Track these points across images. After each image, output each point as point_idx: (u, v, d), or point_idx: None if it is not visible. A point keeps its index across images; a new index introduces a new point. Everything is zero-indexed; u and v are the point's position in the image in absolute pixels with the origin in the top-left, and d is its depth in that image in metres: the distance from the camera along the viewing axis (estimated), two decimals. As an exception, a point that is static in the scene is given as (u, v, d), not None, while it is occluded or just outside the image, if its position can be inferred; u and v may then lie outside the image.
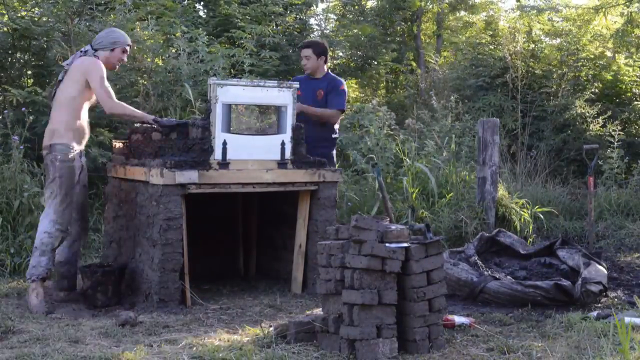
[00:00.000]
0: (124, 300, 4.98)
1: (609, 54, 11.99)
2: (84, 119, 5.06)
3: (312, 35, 12.22)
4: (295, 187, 5.25)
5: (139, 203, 4.98)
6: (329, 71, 6.31)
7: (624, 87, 11.43)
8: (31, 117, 6.52)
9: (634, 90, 11.35)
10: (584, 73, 11.22)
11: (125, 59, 5.21)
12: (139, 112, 5.20)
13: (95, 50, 5.05)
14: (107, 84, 4.95)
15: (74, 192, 4.98)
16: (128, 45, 5.14)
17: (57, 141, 4.93)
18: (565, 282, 4.96)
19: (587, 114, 10.62)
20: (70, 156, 4.92)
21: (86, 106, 5.07)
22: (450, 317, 4.34)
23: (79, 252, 5.26)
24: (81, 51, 5.10)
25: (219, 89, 4.92)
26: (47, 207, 4.91)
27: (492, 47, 11.94)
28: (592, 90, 10.82)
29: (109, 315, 4.59)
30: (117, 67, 5.24)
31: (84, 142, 5.13)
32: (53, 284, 5.19)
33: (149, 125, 5.10)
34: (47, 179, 4.95)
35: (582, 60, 11.39)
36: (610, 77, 11.47)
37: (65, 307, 4.88)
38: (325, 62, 6.20)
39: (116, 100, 4.99)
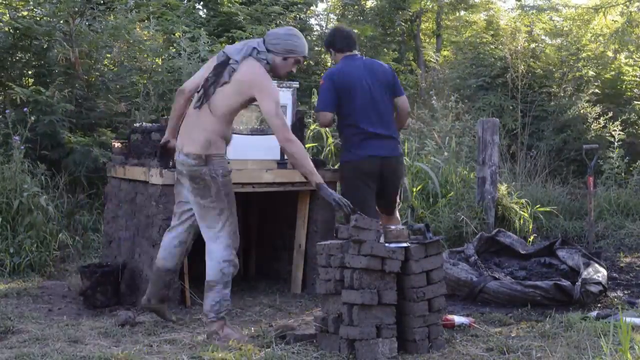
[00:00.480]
0: (124, 300, 4.99)
1: (610, 53, 11.99)
2: (231, 126, 4.29)
3: (311, 35, 12.22)
4: (295, 187, 5.25)
5: (139, 203, 4.98)
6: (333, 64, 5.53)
7: (624, 86, 11.42)
8: (32, 117, 6.52)
9: (635, 90, 11.35)
10: (584, 73, 11.21)
11: (295, 71, 4.39)
12: (310, 166, 4.14)
13: (268, 50, 4.17)
14: (281, 113, 4.11)
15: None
16: (303, 56, 4.28)
17: (215, 152, 4.12)
18: (565, 283, 4.96)
19: (588, 114, 10.62)
20: (229, 170, 4.22)
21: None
22: (449, 317, 4.34)
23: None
24: (253, 48, 4.15)
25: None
26: (218, 232, 4.13)
27: (493, 47, 11.94)
28: (593, 90, 10.81)
29: (108, 315, 4.59)
30: (282, 78, 4.61)
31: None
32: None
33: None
34: (206, 197, 4.11)
35: (583, 60, 11.39)
36: (611, 77, 11.46)
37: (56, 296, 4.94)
38: (335, 53, 5.18)
39: (292, 135, 4.12)
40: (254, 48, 4.15)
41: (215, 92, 4.09)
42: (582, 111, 10.63)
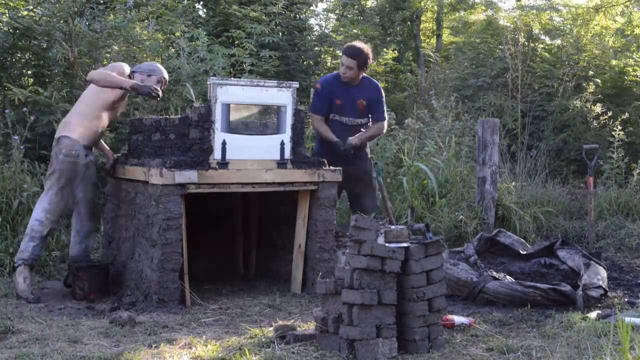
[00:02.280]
0: (105, 294, 5.12)
1: (610, 53, 11.98)
2: (101, 122, 5.23)
3: (311, 35, 12.21)
4: (295, 187, 5.25)
5: (139, 203, 4.98)
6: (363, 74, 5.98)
7: (625, 84, 11.40)
8: (32, 117, 6.52)
9: (635, 90, 11.34)
10: (584, 73, 11.21)
11: (160, 89, 5.26)
12: (116, 77, 5.13)
13: (133, 72, 5.34)
14: (109, 71, 5.17)
15: (79, 189, 5.21)
16: (164, 78, 5.43)
17: (65, 134, 5.08)
18: (565, 287, 4.96)
19: (588, 114, 10.62)
20: (74, 151, 5.05)
21: (106, 111, 5.24)
22: (450, 317, 4.34)
23: (88, 248, 5.44)
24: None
25: (218, 89, 4.92)
26: (42, 196, 5.12)
27: (492, 47, 11.93)
28: (592, 90, 10.81)
29: (108, 315, 4.58)
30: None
31: (95, 143, 5.30)
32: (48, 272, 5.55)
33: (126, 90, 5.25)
34: (49, 170, 5.14)
35: (583, 60, 11.38)
36: (611, 77, 11.46)
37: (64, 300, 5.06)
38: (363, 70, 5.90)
39: (103, 70, 5.28)
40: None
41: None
42: (582, 110, 10.62)
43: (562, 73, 11.08)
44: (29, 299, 4.89)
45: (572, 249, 5.68)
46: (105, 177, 5.73)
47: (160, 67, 5.49)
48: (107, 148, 5.58)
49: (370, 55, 5.87)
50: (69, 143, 5.05)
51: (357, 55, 5.75)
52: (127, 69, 5.32)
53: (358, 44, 5.93)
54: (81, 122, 5.12)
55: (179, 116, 5.11)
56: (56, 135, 5.15)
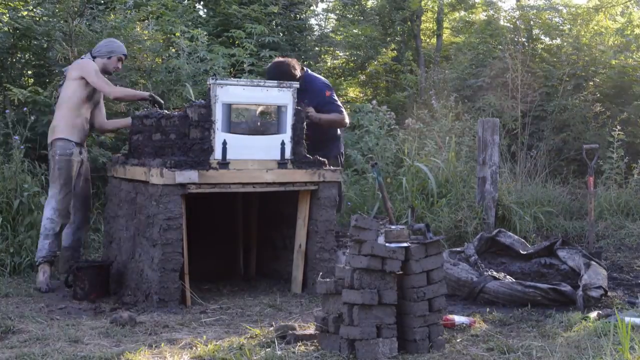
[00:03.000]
0: (107, 294, 5.16)
1: (610, 53, 11.98)
2: (84, 117, 5.55)
3: (311, 35, 12.21)
4: (295, 187, 5.25)
5: (139, 203, 4.98)
6: (307, 71, 6.02)
7: (625, 81, 11.38)
8: (32, 117, 6.52)
9: (635, 90, 11.34)
10: (584, 73, 11.21)
11: (120, 67, 5.73)
12: (136, 91, 5.79)
13: (94, 57, 5.56)
14: (101, 75, 5.42)
15: (74, 184, 5.50)
16: (124, 54, 5.68)
17: (57, 136, 5.44)
18: (565, 287, 4.96)
19: (587, 114, 10.62)
20: (68, 151, 5.42)
21: (85, 105, 5.53)
22: (450, 317, 4.34)
23: (81, 239, 5.75)
24: (80, 58, 5.63)
25: (219, 89, 4.93)
26: (49, 197, 5.44)
27: (492, 47, 11.93)
28: (592, 90, 10.81)
29: (109, 315, 4.59)
30: (112, 73, 5.75)
31: (84, 138, 5.61)
32: (56, 267, 5.67)
33: (146, 105, 5.68)
34: (50, 173, 5.49)
35: (583, 60, 11.39)
36: (610, 77, 11.46)
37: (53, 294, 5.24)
38: (301, 70, 5.89)
39: (114, 86, 5.53)
40: (81, 58, 5.65)
41: (58, 94, 5.60)
42: (582, 109, 10.62)
43: (562, 73, 11.08)
44: (42, 288, 5.23)
45: (573, 249, 5.68)
46: (105, 177, 5.75)
47: (116, 42, 5.71)
48: (120, 121, 6.04)
49: (290, 66, 5.80)
50: (62, 144, 5.42)
51: (280, 78, 5.48)
52: (90, 61, 5.53)
53: (277, 61, 5.97)
54: (66, 123, 5.45)
55: (179, 112, 5.11)
56: (48, 141, 5.51)
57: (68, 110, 5.47)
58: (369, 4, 16.04)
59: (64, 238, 5.58)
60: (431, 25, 16.79)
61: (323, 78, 6.36)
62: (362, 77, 14.13)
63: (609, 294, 5.28)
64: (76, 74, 5.44)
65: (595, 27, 12.71)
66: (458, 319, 4.36)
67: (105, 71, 5.55)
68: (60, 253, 5.57)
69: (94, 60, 5.52)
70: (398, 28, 15.01)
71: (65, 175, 5.42)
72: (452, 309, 4.81)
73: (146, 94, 5.61)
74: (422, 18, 15.65)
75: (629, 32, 12.71)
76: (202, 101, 5.08)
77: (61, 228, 5.44)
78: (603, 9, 12.44)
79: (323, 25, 14.74)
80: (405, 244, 3.78)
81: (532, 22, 12.33)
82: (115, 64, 5.61)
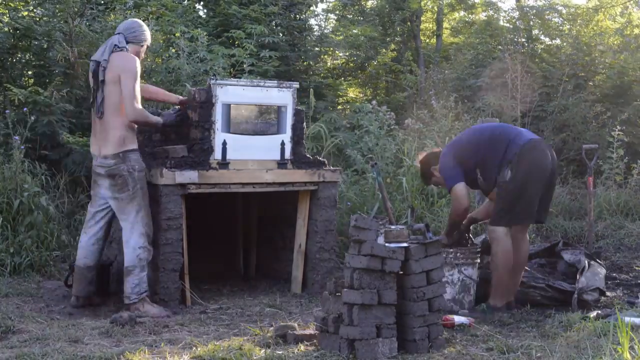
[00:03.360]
0: (106, 293, 5.13)
1: (609, 53, 11.98)
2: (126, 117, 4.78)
3: (311, 35, 12.21)
4: (295, 187, 5.26)
5: (139, 203, 4.98)
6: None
7: (625, 81, 11.38)
8: (32, 117, 6.52)
9: (634, 90, 11.34)
10: (583, 73, 11.21)
11: (144, 56, 5.09)
12: (152, 118, 4.87)
13: (128, 42, 4.81)
14: (138, 87, 4.70)
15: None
16: (149, 42, 5.07)
17: (130, 147, 4.70)
18: (562, 285, 4.96)
19: (587, 114, 10.61)
20: (144, 165, 4.78)
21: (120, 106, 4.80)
22: (449, 316, 4.35)
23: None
24: (115, 45, 4.75)
25: (219, 89, 4.93)
26: (132, 222, 4.68)
27: (492, 47, 11.92)
28: (592, 90, 10.80)
29: (109, 315, 4.59)
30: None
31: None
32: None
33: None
34: (123, 191, 4.67)
35: (582, 60, 11.38)
36: (610, 77, 11.45)
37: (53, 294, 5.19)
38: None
39: (139, 106, 4.71)
40: (115, 45, 4.74)
41: (103, 96, 4.68)
42: (581, 110, 10.61)
43: (561, 73, 11.08)
44: (169, 315, 4.62)
45: (576, 249, 5.66)
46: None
47: (144, 28, 4.95)
48: (165, 93, 5.35)
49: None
50: (138, 158, 4.72)
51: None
52: (133, 56, 4.79)
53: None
54: (126, 130, 4.70)
55: (178, 108, 5.13)
56: (115, 151, 4.65)
57: (118, 117, 4.69)
58: (369, 4, 16.03)
59: (89, 256, 4.91)
60: (431, 25, 16.79)
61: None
62: (362, 77, 14.13)
63: (608, 294, 5.28)
64: (120, 75, 4.66)
65: (595, 27, 12.70)
66: (458, 318, 4.37)
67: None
68: (82, 274, 4.91)
69: (127, 45, 4.77)
70: (398, 28, 15.00)
71: (144, 191, 4.71)
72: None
73: (160, 122, 4.93)
74: (422, 18, 15.64)
75: (628, 32, 12.71)
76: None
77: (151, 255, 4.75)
78: (603, 9, 12.43)
79: (323, 25, 14.74)
80: (405, 244, 3.79)
81: (531, 23, 12.32)
82: (144, 54, 5.00)
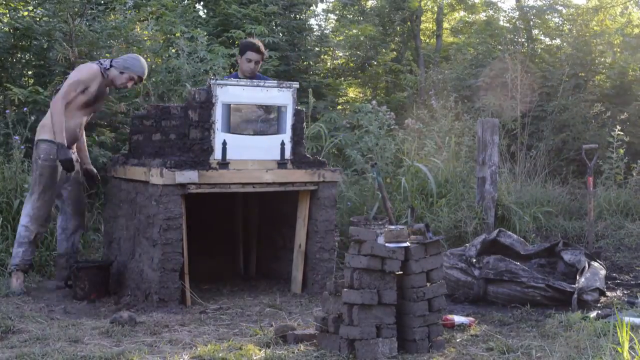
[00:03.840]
0: (108, 293, 5.17)
1: (609, 53, 11.98)
2: (77, 119, 5.29)
3: (311, 36, 12.21)
4: (295, 187, 5.25)
5: (139, 203, 4.99)
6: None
7: (625, 81, 11.38)
8: (32, 117, 6.53)
9: (634, 90, 11.34)
10: (584, 73, 11.21)
11: (130, 87, 5.49)
12: (58, 128, 5.08)
13: (111, 66, 5.31)
14: (74, 87, 5.15)
15: (59, 188, 5.31)
16: (139, 76, 5.37)
17: (43, 137, 5.19)
18: (561, 285, 4.96)
19: (587, 114, 10.61)
20: (52, 156, 5.15)
21: (80, 109, 5.27)
22: (449, 316, 4.35)
23: (75, 245, 5.53)
24: (99, 61, 5.36)
25: (218, 89, 4.93)
26: (26, 201, 5.28)
27: (492, 47, 11.92)
28: (592, 90, 10.80)
29: (109, 315, 4.59)
30: (119, 88, 5.60)
31: (73, 143, 5.34)
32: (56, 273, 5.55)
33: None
34: (31, 174, 5.31)
35: (583, 60, 11.38)
36: (610, 77, 11.46)
37: (53, 294, 5.25)
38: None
39: (61, 104, 5.10)
40: (99, 61, 5.38)
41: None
42: (581, 109, 10.61)
43: (561, 73, 11.08)
44: (17, 292, 5.08)
45: (576, 249, 5.66)
46: (105, 177, 5.74)
47: (140, 62, 5.38)
48: (86, 153, 5.59)
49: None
50: (46, 147, 5.16)
51: (262, 51, 5.85)
52: (94, 68, 5.28)
53: (254, 40, 6.08)
54: (46, 120, 5.22)
55: (179, 104, 5.13)
56: (35, 139, 5.24)
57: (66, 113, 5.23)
58: (369, 4, 16.04)
59: (58, 245, 5.50)
60: (431, 25, 16.80)
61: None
62: (362, 77, 14.13)
63: (608, 294, 5.28)
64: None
65: (596, 27, 12.70)
66: (458, 319, 4.37)
67: (112, 83, 5.34)
68: (55, 261, 5.53)
69: (109, 68, 5.29)
70: (398, 28, 15.02)
71: (45, 182, 5.19)
72: (451, 309, 4.82)
73: (59, 141, 5.09)
74: (422, 18, 15.66)
75: (628, 32, 12.71)
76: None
77: (36, 236, 5.25)
78: (603, 9, 12.43)
79: (323, 25, 14.75)
80: (405, 244, 3.79)
81: (531, 23, 12.32)
82: (124, 81, 5.32)
